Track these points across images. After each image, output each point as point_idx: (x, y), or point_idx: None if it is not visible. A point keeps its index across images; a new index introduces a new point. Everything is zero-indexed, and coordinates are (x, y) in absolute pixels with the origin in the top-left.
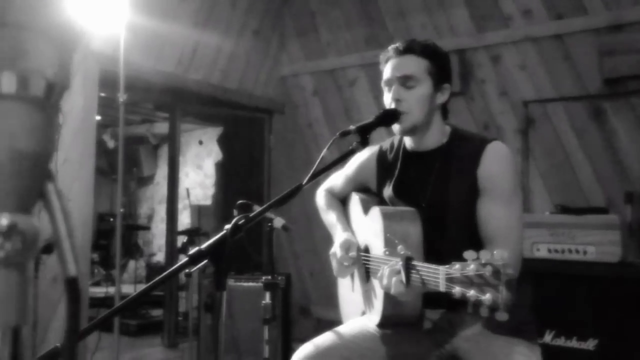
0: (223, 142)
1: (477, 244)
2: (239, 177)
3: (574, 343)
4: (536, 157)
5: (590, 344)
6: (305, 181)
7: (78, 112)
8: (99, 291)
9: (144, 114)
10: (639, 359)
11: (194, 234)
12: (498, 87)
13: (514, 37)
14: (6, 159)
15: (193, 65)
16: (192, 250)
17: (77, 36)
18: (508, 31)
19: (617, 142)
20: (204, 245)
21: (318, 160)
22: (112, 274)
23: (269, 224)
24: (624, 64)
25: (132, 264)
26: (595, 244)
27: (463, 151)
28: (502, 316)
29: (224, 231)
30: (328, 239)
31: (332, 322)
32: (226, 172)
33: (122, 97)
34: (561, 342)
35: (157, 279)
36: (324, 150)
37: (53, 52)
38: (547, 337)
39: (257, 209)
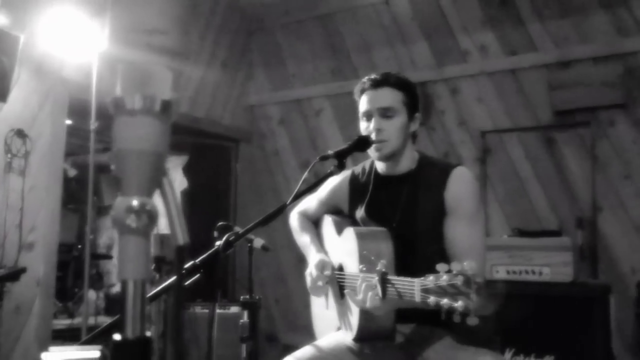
0: (189, 170)
1: (444, 260)
2: (204, 205)
3: None
4: (494, 184)
5: None
6: (289, 201)
7: (46, 139)
8: (61, 323)
9: (107, 142)
10: None
11: (160, 262)
12: (457, 118)
13: (471, 71)
14: (136, 157)
15: None
16: (187, 264)
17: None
18: (466, 65)
19: (567, 170)
20: (198, 260)
21: (300, 182)
22: (69, 306)
23: (249, 245)
24: (572, 97)
25: (92, 294)
26: (549, 265)
27: (430, 175)
28: (473, 321)
29: (216, 247)
30: (294, 266)
31: (300, 348)
32: (191, 201)
33: (93, 124)
34: (520, 359)
35: (155, 290)
36: (305, 173)
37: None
38: (507, 355)
39: (237, 230)
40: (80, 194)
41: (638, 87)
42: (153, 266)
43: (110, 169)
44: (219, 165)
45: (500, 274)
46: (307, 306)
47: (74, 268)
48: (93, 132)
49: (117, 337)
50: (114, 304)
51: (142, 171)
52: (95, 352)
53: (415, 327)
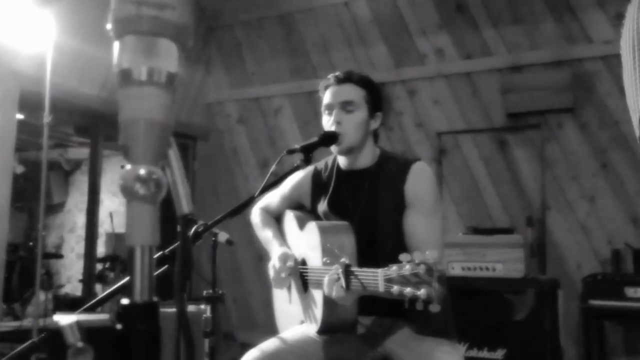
0: None
1: (404, 251)
2: (161, 203)
3: (485, 353)
4: (449, 184)
5: (499, 354)
6: (257, 193)
7: None
8: (7, 325)
9: (58, 138)
10: None
11: (114, 261)
12: (414, 119)
13: (428, 73)
14: (143, 127)
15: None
16: (156, 254)
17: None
18: (423, 68)
19: (519, 171)
20: (167, 250)
21: (268, 175)
22: (15, 307)
23: (213, 239)
24: (523, 101)
25: (41, 295)
26: (502, 261)
27: (391, 170)
28: (435, 308)
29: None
30: (252, 265)
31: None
32: None
33: (47, 118)
34: (474, 353)
35: (122, 282)
36: (274, 166)
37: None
38: (462, 349)
39: (201, 223)
40: (28, 192)
41: (585, 92)
42: (106, 265)
43: (60, 165)
44: None
45: (456, 270)
46: (264, 304)
47: (20, 268)
48: (46, 126)
49: (125, 301)
50: (63, 305)
51: (149, 140)
52: (104, 316)
53: (375, 319)
